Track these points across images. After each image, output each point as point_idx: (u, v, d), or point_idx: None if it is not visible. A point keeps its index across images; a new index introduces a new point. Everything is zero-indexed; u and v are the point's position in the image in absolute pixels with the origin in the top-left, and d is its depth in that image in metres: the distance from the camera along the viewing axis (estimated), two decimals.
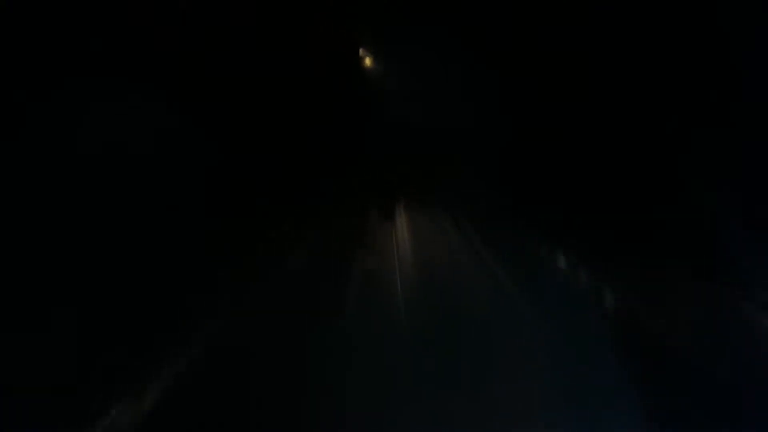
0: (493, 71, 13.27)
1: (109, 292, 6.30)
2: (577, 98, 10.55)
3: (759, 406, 4.75)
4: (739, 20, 7.30)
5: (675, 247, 7.18)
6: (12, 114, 6.37)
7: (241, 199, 9.13)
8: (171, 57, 8.78)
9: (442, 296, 8.45)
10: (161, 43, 8.40)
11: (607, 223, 8.47)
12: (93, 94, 7.20)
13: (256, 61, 10.47)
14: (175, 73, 8.65)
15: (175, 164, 8.07)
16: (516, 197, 12.78)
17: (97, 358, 5.71)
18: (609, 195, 9.09)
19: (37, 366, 5.16)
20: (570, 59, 10.78)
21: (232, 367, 6.00)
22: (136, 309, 6.21)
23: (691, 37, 8.01)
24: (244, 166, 9.73)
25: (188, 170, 8.68)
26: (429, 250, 10.88)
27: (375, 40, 15.75)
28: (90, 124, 7.12)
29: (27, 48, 6.68)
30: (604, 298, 7.02)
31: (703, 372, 5.18)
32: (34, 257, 6.03)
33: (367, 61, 15.96)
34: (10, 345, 5.35)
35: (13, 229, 6.03)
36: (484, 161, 14.33)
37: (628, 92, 9.17)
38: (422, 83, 15.22)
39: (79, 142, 6.86)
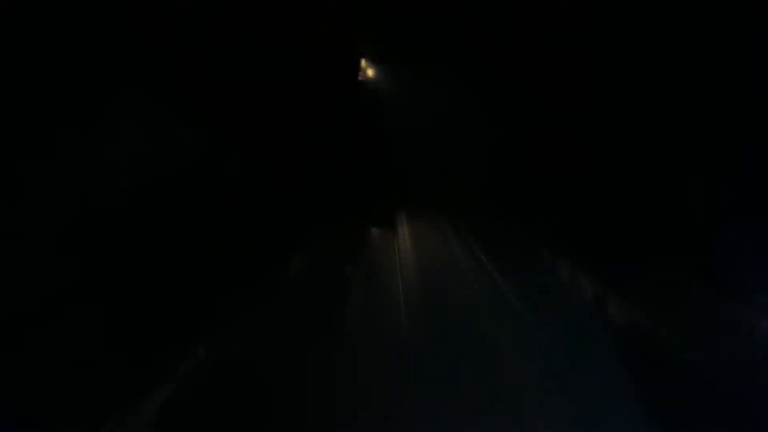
0: (495, 73, 13.30)
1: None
2: (581, 102, 10.56)
3: None
4: (739, 20, 7.30)
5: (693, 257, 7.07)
6: (26, 122, 6.49)
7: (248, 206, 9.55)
8: (186, 64, 8.99)
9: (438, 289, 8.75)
10: (166, 45, 8.45)
11: (613, 227, 8.46)
12: (93, 97, 7.25)
13: (261, 67, 10.54)
14: (190, 83, 8.96)
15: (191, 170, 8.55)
16: (520, 202, 12.80)
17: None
18: (616, 199, 9.10)
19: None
20: (573, 63, 10.80)
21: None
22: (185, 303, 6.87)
23: (692, 39, 8.01)
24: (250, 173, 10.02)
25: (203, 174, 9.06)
26: (429, 256, 10.90)
27: (377, 48, 15.82)
28: (92, 129, 7.18)
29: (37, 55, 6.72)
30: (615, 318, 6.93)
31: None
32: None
33: (369, 72, 16.04)
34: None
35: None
36: (486, 163, 14.36)
37: (631, 95, 9.17)
38: (422, 88, 15.28)
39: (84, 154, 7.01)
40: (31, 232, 6.10)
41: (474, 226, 12.94)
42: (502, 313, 7.94)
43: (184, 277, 7.26)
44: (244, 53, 10.24)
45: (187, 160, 8.39)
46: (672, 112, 8.51)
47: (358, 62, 15.99)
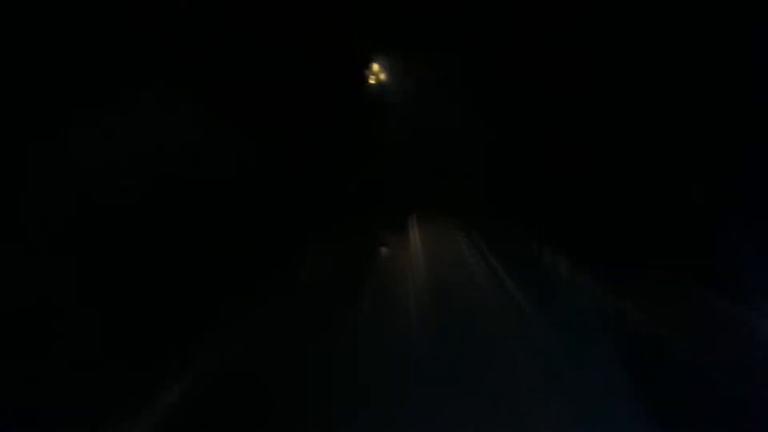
0: (495, 73, 13.28)
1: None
2: (582, 103, 10.56)
3: None
4: (739, 20, 7.30)
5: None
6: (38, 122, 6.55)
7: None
8: (196, 65, 9.08)
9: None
10: (172, 46, 8.48)
11: (612, 226, 8.44)
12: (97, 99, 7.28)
13: (265, 68, 10.56)
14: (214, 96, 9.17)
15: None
16: (520, 201, 12.79)
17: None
18: (616, 199, 9.09)
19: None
20: (573, 64, 10.79)
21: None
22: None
23: (692, 40, 8.01)
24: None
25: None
26: (440, 257, 11.28)
27: (384, 51, 15.83)
28: (97, 132, 7.21)
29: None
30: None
31: None
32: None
33: (376, 76, 16.07)
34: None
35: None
36: (487, 163, 14.35)
37: (632, 96, 9.17)
38: (424, 88, 15.28)
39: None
40: (39, 229, 6.13)
41: (474, 225, 12.99)
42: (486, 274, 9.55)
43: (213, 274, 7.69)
44: (246, 53, 10.25)
45: (203, 164, 8.64)
46: (672, 113, 8.51)
47: (364, 63, 16.05)
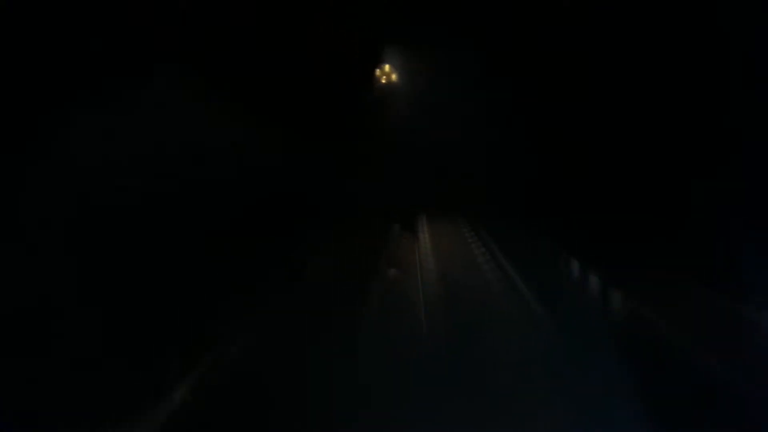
0: (497, 74, 13.30)
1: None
2: (584, 103, 10.57)
3: None
4: (739, 20, 7.30)
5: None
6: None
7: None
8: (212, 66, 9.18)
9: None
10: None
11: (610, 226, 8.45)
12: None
13: (269, 68, 10.61)
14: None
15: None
16: (520, 201, 12.82)
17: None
18: (615, 199, 9.10)
19: None
20: (576, 65, 10.80)
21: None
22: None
23: (694, 40, 8.01)
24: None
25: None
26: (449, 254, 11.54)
27: (393, 51, 15.88)
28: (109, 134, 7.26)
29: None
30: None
31: None
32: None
33: (387, 76, 16.13)
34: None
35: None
36: (487, 163, 14.37)
37: (633, 96, 9.18)
38: (435, 92, 15.34)
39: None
40: (41, 229, 6.15)
41: (477, 225, 13.04)
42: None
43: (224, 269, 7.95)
44: (248, 52, 10.25)
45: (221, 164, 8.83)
46: (672, 113, 8.51)
47: (373, 65, 16.12)
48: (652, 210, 8.37)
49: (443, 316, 7.83)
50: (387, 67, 16.26)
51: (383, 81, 16.37)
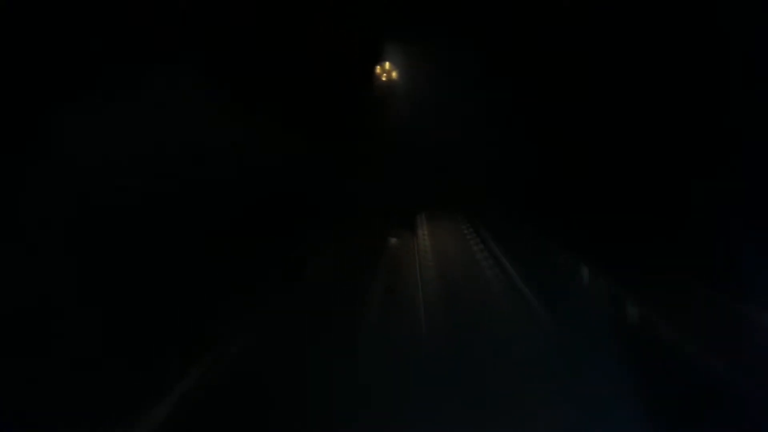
0: (497, 73, 13.29)
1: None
2: (585, 104, 10.56)
3: None
4: (739, 20, 7.30)
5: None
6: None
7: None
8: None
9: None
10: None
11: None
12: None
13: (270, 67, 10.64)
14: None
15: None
16: (519, 201, 12.82)
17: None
18: (615, 198, 9.10)
19: None
20: (577, 65, 10.79)
21: None
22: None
23: (695, 42, 8.01)
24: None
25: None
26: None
27: (395, 51, 15.89)
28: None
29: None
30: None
31: None
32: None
33: (388, 73, 16.12)
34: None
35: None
36: (486, 163, 14.36)
37: (635, 97, 9.17)
38: (429, 88, 15.33)
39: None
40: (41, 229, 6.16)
41: (479, 225, 13.07)
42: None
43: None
44: (248, 52, 10.25)
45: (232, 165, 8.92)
46: (673, 113, 8.51)
47: (373, 64, 16.11)
48: (652, 210, 8.37)
49: (443, 315, 7.85)
50: (388, 65, 16.27)
51: (384, 78, 16.37)
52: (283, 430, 5.10)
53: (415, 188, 15.16)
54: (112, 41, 7.74)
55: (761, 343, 5.56)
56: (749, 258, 6.31)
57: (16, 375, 5.11)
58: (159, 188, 7.84)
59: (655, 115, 8.91)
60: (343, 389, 5.55)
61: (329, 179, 13.08)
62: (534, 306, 7.80)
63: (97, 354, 5.52)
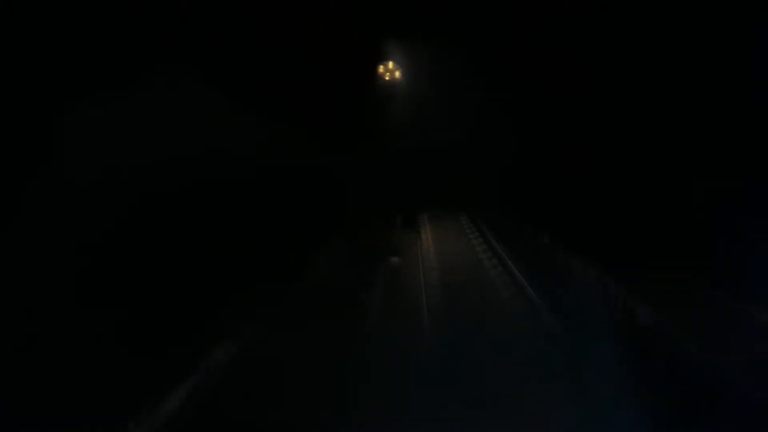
0: (498, 74, 13.30)
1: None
2: (589, 105, 10.55)
3: None
4: (739, 20, 7.30)
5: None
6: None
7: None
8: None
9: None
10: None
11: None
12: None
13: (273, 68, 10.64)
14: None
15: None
16: (528, 204, 12.83)
17: None
18: (623, 201, 9.12)
19: None
20: (578, 66, 10.79)
21: None
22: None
23: (695, 42, 8.01)
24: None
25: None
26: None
27: (398, 51, 15.89)
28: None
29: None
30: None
31: None
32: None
33: (391, 73, 16.13)
34: None
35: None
36: (486, 162, 14.38)
37: (637, 98, 9.17)
38: (439, 92, 15.36)
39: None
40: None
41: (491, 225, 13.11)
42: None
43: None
44: (248, 53, 10.23)
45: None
46: (673, 113, 8.51)
47: (375, 64, 16.11)
48: (652, 210, 8.37)
49: (445, 312, 7.90)
50: (391, 64, 16.27)
51: (387, 78, 16.37)
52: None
53: (416, 188, 15.18)
54: (111, 40, 7.71)
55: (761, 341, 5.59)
56: (749, 258, 6.33)
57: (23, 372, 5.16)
58: (159, 188, 7.82)
59: (655, 114, 8.92)
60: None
61: (330, 179, 13.06)
62: (537, 305, 7.84)
63: (99, 354, 5.57)
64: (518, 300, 8.30)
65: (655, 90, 8.90)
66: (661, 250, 7.55)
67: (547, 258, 9.69)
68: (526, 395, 5.50)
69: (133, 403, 4.97)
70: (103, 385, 5.10)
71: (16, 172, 6.18)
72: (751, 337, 5.60)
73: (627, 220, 8.45)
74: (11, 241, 5.75)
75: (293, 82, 11.35)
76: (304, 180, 11.63)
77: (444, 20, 13.62)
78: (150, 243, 7.35)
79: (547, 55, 11.72)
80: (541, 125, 12.07)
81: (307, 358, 6.38)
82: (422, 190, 15.24)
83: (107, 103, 7.14)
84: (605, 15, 9.70)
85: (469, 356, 6.40)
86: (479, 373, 5.99)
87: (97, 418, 4.72)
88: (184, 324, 6.49)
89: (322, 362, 6.26)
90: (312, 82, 11.87)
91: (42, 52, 6.62)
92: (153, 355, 5.77)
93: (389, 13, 13.15)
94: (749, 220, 6.78)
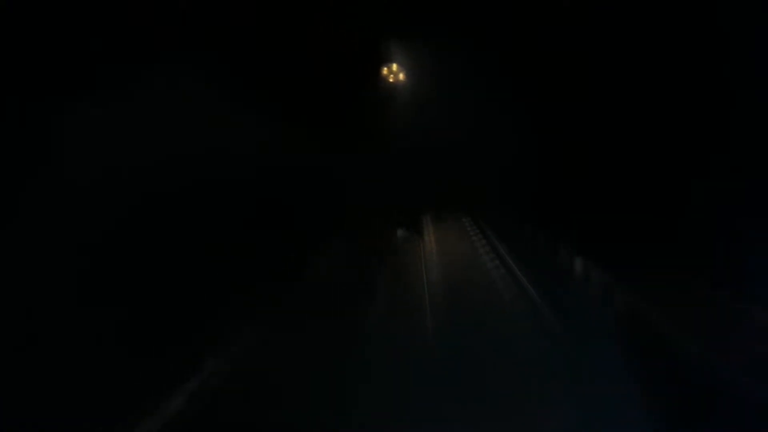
0: (497, 74, 13.30)
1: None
2: (590, 106, 10.55)
3: None
4: (739, 20, 7.30)
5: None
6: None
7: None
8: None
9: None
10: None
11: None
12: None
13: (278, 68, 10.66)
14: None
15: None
16: (528, 204, 12.84)
17: None
18: (623, 201, 9.13)
19: None
20: (578, 66, 10.79)
21: None
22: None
23: (696, 42, 8.01)
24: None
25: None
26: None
27: (401, 53, 15.91)
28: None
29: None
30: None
31: None
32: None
33: (395, 75, 16.15)
34: None
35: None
36: (494, 167, 14.40)
37: (637, 99, 9.17)
38: (441, 93, 15.37)
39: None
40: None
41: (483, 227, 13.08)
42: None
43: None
44: (248, 54, 10.22)
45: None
46: (674, 113, 8.51)
47: (377, 64, 16.13)
48: (652, 210, 8.37)
49: (446, 311, 7.90)
50: (395, 66, 16.28)
51: (390, 80, 16.39)
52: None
53: (417, 188, 15.19)
54: (110, 40, 7.70)
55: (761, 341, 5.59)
56: (749, 258, 6.33)
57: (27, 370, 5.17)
58: (159, 188, 7.81)
59: (655, 114, 8.92)
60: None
61: (331, 179, 13.06)
62: (538, 303, 7.85)
63: (99, 354, 5.57)
64: (519, 300, 8.30)
65: (655, 90, 8.90)
66: (661, 250, 7.55)
67: (547, 258, 9.71)
68: (526, 395, 5.51)
69: (133, 403, 4.98)
70: (103, 385, 5.11)
71: (16, 172, 6.18)
72: (751, 337, 5.60)
73: (627, 220, 8.45)
74: (11, 241, 5.75)
75: (293, 82, 11.35)
76: (304, 180, 11.62)
77: (444, 20, 13.62)
78: (150, 243, 7.34)
79: (547, 55, 11.72)
80: (541, 125, 12.07)
81: (307, 358, 6.38)
82: (422, 190, 15.25)
83: (107, 103, 7.12)
84: (605, 15, 9.70)
85: (469, 356, 6.41)
86: (479, 373, 6.00)
87: (97, 418, 4.73)
88: (184, 324, 6.49)
89: (322, 362, 6.26)
90: (312, 82, 11.86)
91: (42, 51, 6.62)
92: (153, 355, 5.78)
93: (389, 13, 13.14)
94: (749, 220, 6.78)
